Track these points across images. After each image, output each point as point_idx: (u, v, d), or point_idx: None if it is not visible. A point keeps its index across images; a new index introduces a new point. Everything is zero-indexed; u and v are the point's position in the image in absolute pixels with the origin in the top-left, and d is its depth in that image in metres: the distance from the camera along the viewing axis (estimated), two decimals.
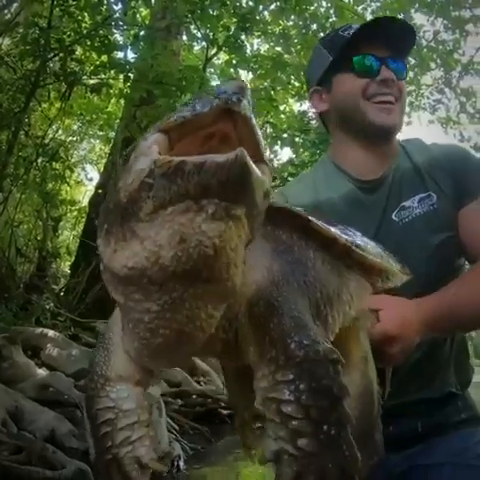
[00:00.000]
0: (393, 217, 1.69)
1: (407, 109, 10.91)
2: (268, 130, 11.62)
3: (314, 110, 1.94)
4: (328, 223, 0.93)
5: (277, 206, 0.87)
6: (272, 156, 12.43)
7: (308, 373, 0.72)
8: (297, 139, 10.40)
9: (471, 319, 1.57)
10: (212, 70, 11.33)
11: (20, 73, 7.56)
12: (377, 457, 1.07)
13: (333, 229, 0.88)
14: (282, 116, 11.48)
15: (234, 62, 9.50)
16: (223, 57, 10.74)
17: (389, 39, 1.70)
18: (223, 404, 7.19)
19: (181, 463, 4.76)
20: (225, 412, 7.25)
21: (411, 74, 11.97)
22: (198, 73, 8.36)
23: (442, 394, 1.74)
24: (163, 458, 4.53)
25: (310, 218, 0.86)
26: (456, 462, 1.70)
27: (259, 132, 0.64)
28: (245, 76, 11.73)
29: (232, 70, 10.22)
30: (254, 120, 0.63)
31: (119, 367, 0.87)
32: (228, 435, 6.87)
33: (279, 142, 11.30)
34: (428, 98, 13.07)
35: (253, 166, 0.58)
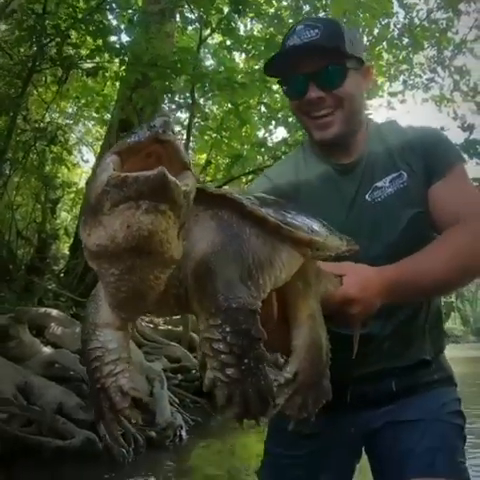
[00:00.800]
0: (366, 198, 1.80)
1: (400, 88, 10.90)
2: (263, 110, 11.73)
3: None
4: (276, 207, 1.19)
5: (222, 194, 1.12)
6: (267, 135, 12.55)
7: (231, 319, 0.96)
8: (291, 119, 10.48)
9: (431, 286, 1.66)
10: (206, 50, 11.40)
11: (16, 59, 7.65)
12: (325, 400, 1.30)
13: (264, 210, 1.12)
14: (276, 96, 11.54)
15: (228, 43, 9.60)
16: (217, 37, 10.81)
17: (319, 49, 1.71)
18: None
19: (183, 433, 4.95)
20: None
21: (404, 53, 12.03)
22: (192, 54, 8.45)
23: (417, 361, 1.85)
24: (166, 428, 4.73)
25: (245, 203, 1.10)
26: (429, 419, 1.82)
27: (181, 149, 0.92)
28: (238, 57, 11.88)
29: (226, 51, 10.33)
30: (176, 142, 0.90)
31: (104, 316, 1.13)
32: None
33: (273, 122, 11.40)
34: (421, 77, 13.10)
35: (170, 177, 0.86)
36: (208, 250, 1.04)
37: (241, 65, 11.73)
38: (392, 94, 13.23)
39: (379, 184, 1.80)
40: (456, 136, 9.15)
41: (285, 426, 1.97)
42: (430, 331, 1.89)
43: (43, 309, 6.24)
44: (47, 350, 5.25)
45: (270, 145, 11.46)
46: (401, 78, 12.93)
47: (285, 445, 1.97)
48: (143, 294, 0.99)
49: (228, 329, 0.95)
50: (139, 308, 1.07)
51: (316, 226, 1.24)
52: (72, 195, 13.05)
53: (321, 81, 1.71)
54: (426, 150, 1.80)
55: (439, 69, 12.66)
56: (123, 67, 8.32)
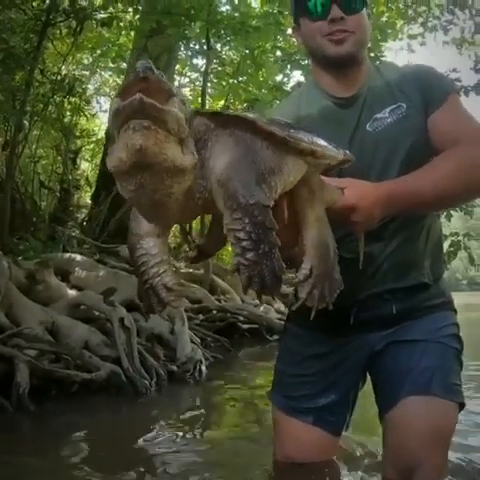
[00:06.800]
0: (367, 128, 1.91)
1: (420, 30, 10.63)
2: (278, 54, 11.64)
3: None
4: (286, 127, 1.35)
5: (237, 115, 1.31)
6: (285, 79, 12.46)
7: (249, 213, 1.15)
8: (306, 61, 10.42)
9: (431, 197, 1.73)
10: None
11: (30, 14, 7.68)
12: (338, 290, 1.50)
13: (273, 127, 1.29)
14: (292, 39, 11.42)
15: None
16: None
17: None
18: (242, 318, 7.62)
19: (203, 367, 5.13)
20: (244, 326, 7.69)
21: None
22: (206, 0, 8.40)
23: (416, 284, 1.96)
24: (186, 362, 4.95)
25: (256, 121, 1.27)
26: (428, 339, 1.94)
27: (162, 81, 1.07)
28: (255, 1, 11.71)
29: None
30: (155, 77, 1.05)
31: (144, 227, 1.35)
32: (247, 346, 7.32)
33: (289, 66, 11.33)
34: (439, 19, 12.71)
35: (145, 99, 1.02)
36: (228, 161, 1.22)
37: (257, 9, 11.56)
38: (411, 36, 12.95)
39: (379, 115, 1.92)
40: (468, 77, 9.12)
41: (294, 346, 2.17)
42: (429, 256, 2.00)
43: (68, 254, 6.46)
44: (73, 293, 5.45)
45: (287, 89, 11.39)
46: (420, 20, 12.61)
47: (294, 365, 2.14)
48: (162, 203, 1.18)
49: (247, 220, 1.14)
50: (166, 216, 1.27)
51: (315, 138, 1.41)
52: (92, 145, 13.17)
53: (344, 3, 1.86)
54: (422, 82, 1.93)
55: (458, 11, 12.24)
56: (137, 16, 8.33)
